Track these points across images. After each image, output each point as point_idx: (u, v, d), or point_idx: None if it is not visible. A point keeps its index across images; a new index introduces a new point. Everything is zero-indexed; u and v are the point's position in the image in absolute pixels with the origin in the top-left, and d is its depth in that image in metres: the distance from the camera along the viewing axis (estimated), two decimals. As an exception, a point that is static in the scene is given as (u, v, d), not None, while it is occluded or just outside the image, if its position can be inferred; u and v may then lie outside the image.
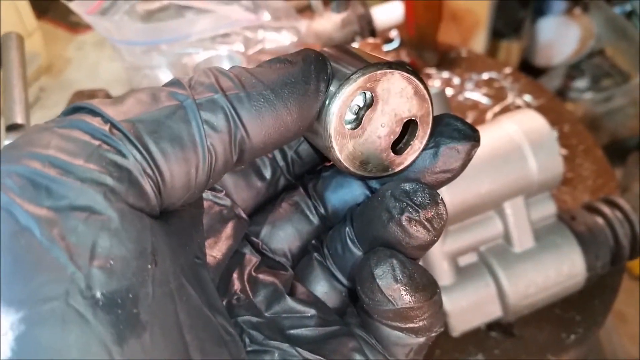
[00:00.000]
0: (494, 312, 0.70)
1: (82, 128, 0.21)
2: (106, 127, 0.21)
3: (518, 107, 1.04)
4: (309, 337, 0.28)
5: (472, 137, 0.27)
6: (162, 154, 0.21)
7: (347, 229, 0.29)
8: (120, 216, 0.20)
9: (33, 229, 0.18)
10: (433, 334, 0.28)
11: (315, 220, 0.31)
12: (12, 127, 0.74)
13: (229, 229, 0.29)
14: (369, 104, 0.26)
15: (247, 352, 0.26)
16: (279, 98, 0.24)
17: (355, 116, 0.26)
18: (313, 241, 0.31)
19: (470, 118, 1.02)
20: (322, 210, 0.31)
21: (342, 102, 0.25)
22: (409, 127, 0.27)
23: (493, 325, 0.74)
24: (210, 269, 0.26)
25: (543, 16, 1.66)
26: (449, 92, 1.07)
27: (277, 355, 0.26)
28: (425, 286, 0.25)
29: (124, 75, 1.08)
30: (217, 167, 0.23)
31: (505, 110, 1.03)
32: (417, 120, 0.27)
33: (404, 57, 1.06)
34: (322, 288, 0.30)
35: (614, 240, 0.72)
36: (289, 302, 0.29)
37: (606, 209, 0.74)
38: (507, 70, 1.12)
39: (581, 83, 1.69)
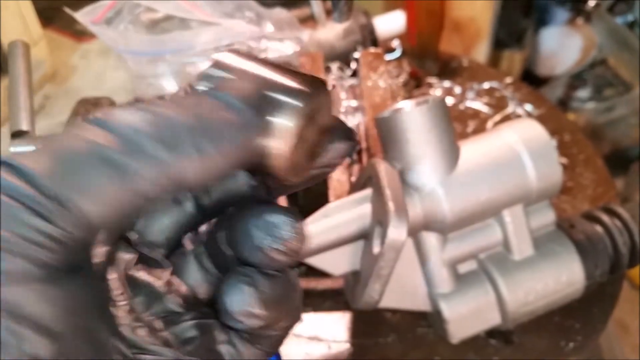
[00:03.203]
0: (493, 319, 0.70)
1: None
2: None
3: (519, 117, 1.05)
4: (182, 336, 0.29)
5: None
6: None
7: (220, 234, 0.30)
8: None
9: None
10: (295, 325, 0.31)
11: (192, 210, 0.31)
12: (17, 134, 0.75)
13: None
14: None
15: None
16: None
17: None
18: (190, 232, 0.32)
19: (471, 127, 1.02)
20: (205, 200, 0.31)
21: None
22: None
23: (492, 333, 0.74)
24: None
25: (545, 26, 1.67)
26: (450, 101, 1.08)
27: (148, 356, 0.27)
28: (278, 300, 0.28)
29: (128, 84, 1.09)
30: None
31: (506, 119, 1.04)
32: None
33: (406, 66, 1.07)
34: (194, 278, 0.31)
35: (613, 248, 0.72)
36: (166, 302, 0.30)
37: (605, 218, 0.74)
38: (508, 79, 1.13)
39: (583, 93, 1.69)
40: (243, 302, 0.28)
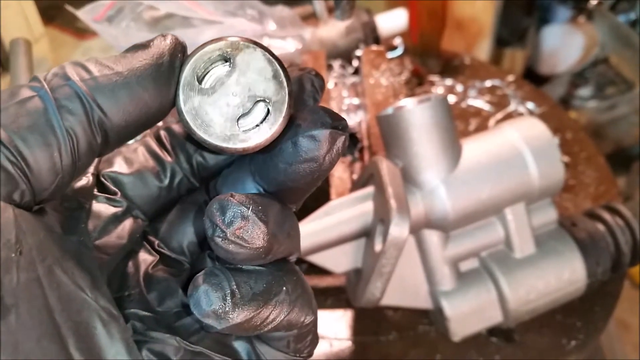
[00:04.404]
0: (495, 317, 0.70)
1: None
2: None
3: (520, 115, 1.04)
4: (194, 329, 0.29)
5: (330, 124, 0.27)
6: (23, 141, 0.23)
7: None
8: None
9: None
10: (305, 322, 0.28)
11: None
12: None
13: (121, 229, 0.29)
14: (227, 72, 0.27)
15: None
16: (132, 76, 0.25)
17: (213, 83, 0.27)
18: None
19: (472, 125, 1.02)
20: None
21: (199, 55, 0.26)
22: (268, 112, 0.27)
23: (494, 331, 0.74)
24: (99, 267, 0.27)
25: (547, 24, 1.67)
26: (452, 99, 1.07)
27: (155, 343, 0.27)
28: (253, 296, 0.26)
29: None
30: (81, 148, 0.24)
31: (508, 117, 1.04)
32: (270, 105, 0.27)
33: (408, 64, 1.07)
34: None
35: (614, 246, 0.72)
36: (182, 297, 0.30)
37: (607, 216, 0.74)
38: (510, 77, 1.13)
39: (585, 91, 1.69)
40: (206, 304, 0.25)
